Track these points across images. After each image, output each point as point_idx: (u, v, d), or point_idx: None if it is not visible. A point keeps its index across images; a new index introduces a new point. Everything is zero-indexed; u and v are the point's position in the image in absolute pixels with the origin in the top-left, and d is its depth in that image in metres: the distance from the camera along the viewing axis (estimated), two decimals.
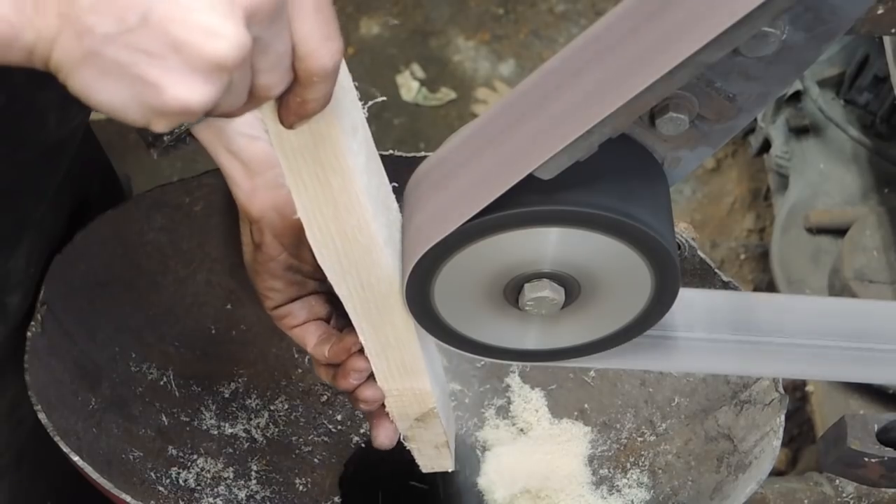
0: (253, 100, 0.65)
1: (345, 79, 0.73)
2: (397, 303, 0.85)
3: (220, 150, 0.99)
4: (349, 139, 0.75)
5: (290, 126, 0.70)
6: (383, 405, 0.96)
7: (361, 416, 1.22)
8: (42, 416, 0.98)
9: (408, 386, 0.93)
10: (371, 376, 0.94)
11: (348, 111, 0.75)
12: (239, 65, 0.60)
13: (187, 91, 0.59)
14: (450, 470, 1.04)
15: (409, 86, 2.57)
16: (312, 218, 0.80)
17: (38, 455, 1.17)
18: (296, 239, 0.95)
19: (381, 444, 1.00)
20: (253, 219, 0.98)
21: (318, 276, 0.88)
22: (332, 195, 0.78)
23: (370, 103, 0.81)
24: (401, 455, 1.05)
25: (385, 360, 0.91)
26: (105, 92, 0.60)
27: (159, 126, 0.62)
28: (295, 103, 0.68)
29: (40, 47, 0.59)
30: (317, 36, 0.64)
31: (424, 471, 1.04)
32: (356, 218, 0.79)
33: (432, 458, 1.02)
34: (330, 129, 0.74)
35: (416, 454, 1.02)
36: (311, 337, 0.99)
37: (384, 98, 0.93)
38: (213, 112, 0.63)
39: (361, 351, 0.91)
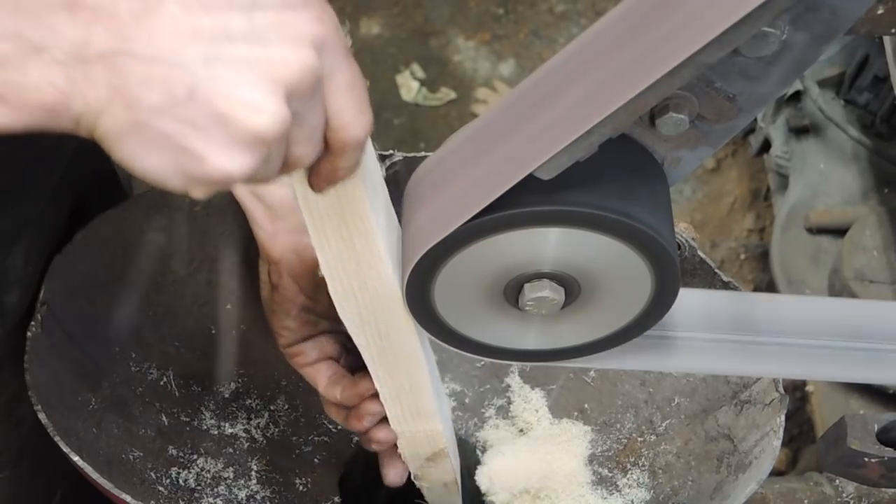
0: (285, 168, 0.67)
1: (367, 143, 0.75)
2: (414, 350, 0.88)
3: (245, 192, 1.01)
4: (372, 200, 0.78)
5: (319, 190, 0.72)
6: (395, 445, 0.99)
7: None
8: (42, 416, 0.98)
9: (420, 428, 0.96)
10: (384, 419, 0.96)
11: (371, 173, 0.78)
12: (279, 138, 0.62)
13: (228, 162, 0.62)
14: None
15: (409, 86, 2.57)
16: (335, 274, 0.83)
17: (38, 453, 1.17)
18: (312, 282, 0.98)
19: (391, 482, 1.03)
20: (272, 260, 1.00)
21: (331, 315, 0.91)
22: (355, 253, 0.81)
23: (388, 163, 0.88)
24: None
25: (399, 405, 0.93)
26: (149, 161, 0.62)
27: (198, 193, 0.64)
28: (326, 170, 0.70)
29: (87, 117, 0.61)
30: (351, 110, 0.67)
31: None
32: (377, 273, 0.82)
33: (441, 495, 1.05)
34: (355, 192, 0.77)
35: (425, 492, 1.05)
36: (322, 377, 1.01)
37: (402, 155, 0.96)
38: (249, 180, 0.65)
39: (375, 395, 0.94)
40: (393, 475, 1.03)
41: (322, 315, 1.01)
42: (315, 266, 0.86)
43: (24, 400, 1.01)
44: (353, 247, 0.80)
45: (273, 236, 1.00)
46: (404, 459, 1.00)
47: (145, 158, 0.62)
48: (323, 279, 0.85)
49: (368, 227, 0.79)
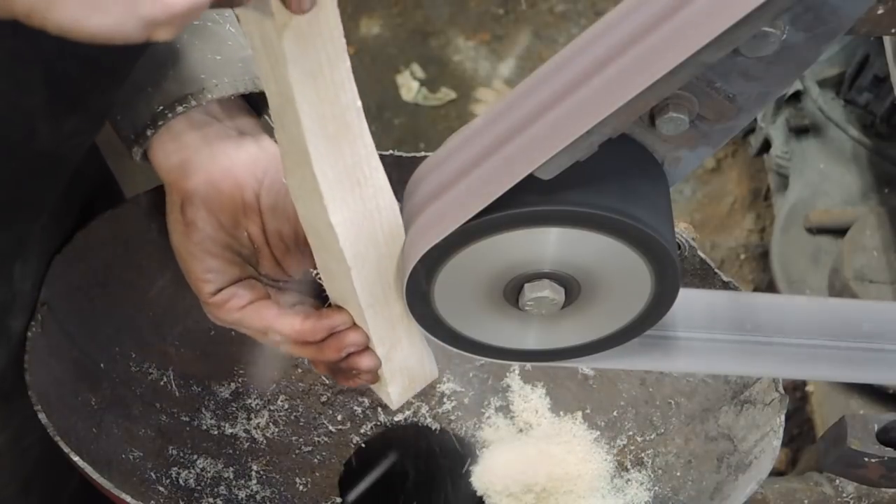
0: None
1: None
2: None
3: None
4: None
5: (301, 10, 0.67)
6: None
7: (361, 415, 1.22)
8: (42, 416, 0.98)
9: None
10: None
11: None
12: None
13: None
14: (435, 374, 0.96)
15: (409, 86, 2.57)
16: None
17: (47, 482, 1.16)
18: (232, 217, 0.91)
19: (397, 402, 0.95)
20: (186, 193, 0.92)
21: (253, 259, 0.90)
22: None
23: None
24: (401, 455, 1.05)
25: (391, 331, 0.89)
26: (95, 16, 0.57)
27: (164, 34, 0.59)
28: None
29: None
30: None
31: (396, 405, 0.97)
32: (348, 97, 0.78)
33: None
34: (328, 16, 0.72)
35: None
36: (268, 314, 0.93)
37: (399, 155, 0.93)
38: (216, 4, 0.61)
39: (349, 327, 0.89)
40: (394, 394, 0.94)
41: (247, 259, 0.93)
42: (234, 198, 0.85)
43: (30, 433, 0.99)
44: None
45: (184, 165, 0.92)
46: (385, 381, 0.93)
47: (89, 15, 0.57)
48: (244, 215, 0.83)
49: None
